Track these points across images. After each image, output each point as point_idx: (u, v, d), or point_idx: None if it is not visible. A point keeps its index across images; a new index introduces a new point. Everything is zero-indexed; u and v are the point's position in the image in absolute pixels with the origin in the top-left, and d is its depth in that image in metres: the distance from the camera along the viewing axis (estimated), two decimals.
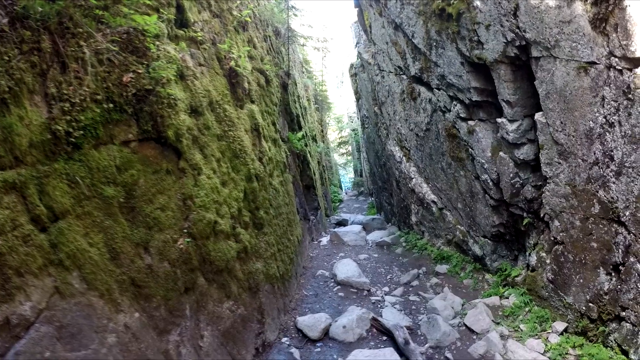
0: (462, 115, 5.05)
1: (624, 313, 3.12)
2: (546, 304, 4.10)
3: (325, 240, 8.55)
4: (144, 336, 2.45)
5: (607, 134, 3.08)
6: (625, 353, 3.11)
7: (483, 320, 4.19)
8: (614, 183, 3.11)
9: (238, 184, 4.09)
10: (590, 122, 3.22)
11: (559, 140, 3.59)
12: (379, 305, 5.12)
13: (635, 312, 3.01)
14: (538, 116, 3.82)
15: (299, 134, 7.97)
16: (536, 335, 3.84)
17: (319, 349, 4.11)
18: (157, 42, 3.04)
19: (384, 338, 4.23)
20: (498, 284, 4.94)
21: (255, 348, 3.80)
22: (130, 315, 2.37)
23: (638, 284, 2.97)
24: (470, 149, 5.05)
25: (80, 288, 2.08)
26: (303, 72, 14.50)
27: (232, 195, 3.89)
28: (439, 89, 5.51)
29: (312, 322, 4.39)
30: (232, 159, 4.08)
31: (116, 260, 2.39)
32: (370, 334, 4.32)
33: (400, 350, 3.85)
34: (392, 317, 4.63)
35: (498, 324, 4.21)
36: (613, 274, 3.26)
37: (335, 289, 5.67)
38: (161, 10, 3.31)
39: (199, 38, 3.96)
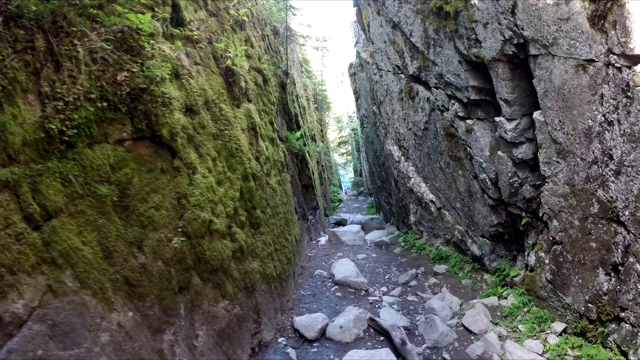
0: (460, 114, 5.02)
1: (623, 314, 3.09)
2: (545, 305, 4.07)
3: (323, 240, 8.52)
4: (138, 335, 2.44)
5: (606, 133, 3.05)
6: (624, 354, 3.08)
7: (481, 320, 4.16)
8: (613, 182, 3.07)
9: (234, 183, 4.07)
10: (589, 121, 3.18)
11: (557, 139, 3.56)
12: (377, 306, 5.09)
13: (634, 312, 2.97)
14: (536, 115, 3.79)
15: (298, 134, 7.95)
16: (535, 335, 3.80)
17: (315, 349, 4.08)
18: (152, 41, 3.04)
19: (381, 338, 4.20)
20: (497, 284, 4.91)
21: (251, 348, 3.78)
22: (123, 314, 2.36)
23: (637, 285, 2.94)
24: (468, 148, 5.02)
25: (73, 286, 2.08)
26: (302, 72, 14.47)
27: (227, 195, 3.87)
28: (437, 88, 5.48)
29: (309, 322, 4.37)
30: (228, 158, 4.05)
31: (110, 259, 2.38)
32: (367, 334, 4.29)
33: (397, 351, 3.82)
34: (389, 317, 4.60)
35: (496, 324, 4.18)
36: (612, 274, 3.22)
37: (332, 289, 5.65)
38: (156, 9, 3.30)
39: (195, 37, 3.94)
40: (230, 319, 3.51)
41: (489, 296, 4.70)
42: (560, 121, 3.48)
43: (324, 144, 17.90)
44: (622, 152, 2.94)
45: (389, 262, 6.93)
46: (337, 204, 16.53)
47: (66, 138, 2.22)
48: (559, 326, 3.76)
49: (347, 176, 29.47)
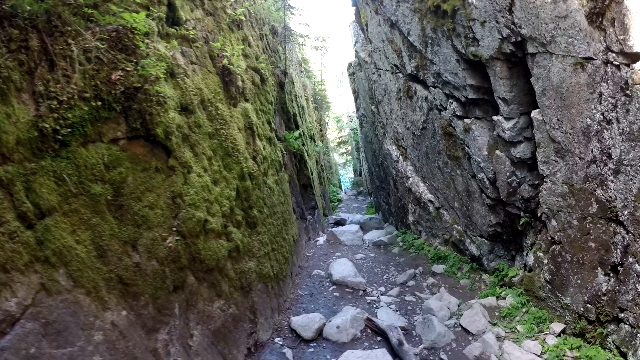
0: (458, 113, 4.99)
1: (622, 314, 3.06)
2: (543, 305, 4.04)
3: (322, 239, 8.50)
4: (132, 334, 2.44)
5: (605, 131, 3.02)
6: (623, 355, 3.05)
7: (479, 321, 4.13)
8: (612, 182, 3.04)
9: (230, 182, 4.05)
10: (588, 119, 3.15)
11: (555, 138, 3.53)
12: (375, 306, 5.06)
13: (634, 313, 2.94)
14: (534, 114, 3.76)
15: (296, 133, 7.93)
16: (533, 336, 3.78)
17: (312, 350, 4.06)
18: (147, 40, 3.06)
19: (379, 339, 4.18)
20: (495, 284, 4.88)
21: (247, 348, 3.76)
22: (117, 313, 2.37)
23: (637, 285, 2.91)
24: (466, 148, 5.00)
25: (66, 285, 2.09)
26: (302, 72, 14.45)
27: (223, 194, 3.85)
28: (434, 87, 5.45)
29: (305, 322, 4.34)
30: (224, 157, 4.03)
31: (103, 258, 2.39)
32: (364, 334, 4.27)
33: (394, 351, 3.79)
34: (387, 317, 4.57)
35: (494, 324, 4.15)
36: (611, 275, 3.19)
37: (330, 289, 5.62)
38: (151, 8, 3.31)
39: (191, 36, 3.94)
40: (225, 318, 3.49)
41: (487, 296, 4.67)
42: (558, 120, 3.45)
43: (324, 143, 17.88)
44: (621, 151, 2.91)
45: (387, 262, 6.90)
46: (336, 203, 16.50)
47: (60, 137, 2.24)
48: (557, 327, 3.73)
49: (346, 176, 29.46)
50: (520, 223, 4.47)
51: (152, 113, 2.97)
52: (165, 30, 3.58)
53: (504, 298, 4.54)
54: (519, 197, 4.33)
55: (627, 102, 2.79)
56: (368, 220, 10.41)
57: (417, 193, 7.10)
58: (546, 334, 3.75)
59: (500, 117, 4.22)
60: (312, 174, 9.83)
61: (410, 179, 7.33)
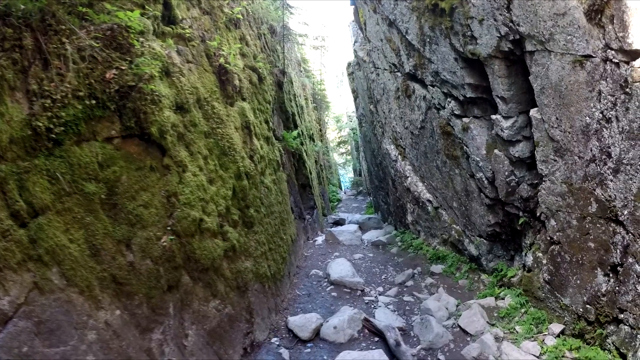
0: (456, 112, 4.96)
1: (622, 315, 3.03)
2: (542, 306, 4.01)
3: (320, 239, 8.46)
4: (126, 334, 2.44)
5: (604, 130, 2.99)
6: (623, 356, 3.02)
7: (477, 321, 4.10)
8: (611, 181, 3.01)
9: (226, 181, 4.02)
10: (587, 118, 3.12)
11: (554, 137, 3.50)
12: (372, 306, 5.03)
13: (633, 314, 2.91)
14: (533, 112, 3.73)
15: (294, 133, 7.89)
16: (532, 337, 3.74)
17: (308, 350, 4.03)
18: (142, 39, 3.07)
19: (376, 339, 4.14)
20: (494, 285, 4.85)
21: (243, 348, 3.74)
22: (111, 313, 2.37)
23: (637, 286, 2.87)
24: (464, 147, 4.96)
25: (59, 284, 2.09)
26: (301, 71, 14.42)
27: (219, 193, 3.82)
28: (433, 86, 5.42)
29: (302, 322, 4.32)
30: (220, 157, 4.00)
31: (97, 257, 2.39)
32: (361, 334, 4.24)
33: (391, 352, 3.76)
34: (384, 317, 4.54)
35: (493, 325, 4.12)
36: (611, 275, 3.16)
37: (328, 289, 5.59)
38: (147, 7, 3.31)
39: (188, 35, 3.92)
40: (221, 318, 3.47)
41: (486, 297, 4.64)
42: (557, 118, 3.42)
43: (323, 143, 17.85)
44: (620, 150, 2.88)
45: (385, 261, 6.87)
46: (336, 203, 16.47)
47: (53, 136, 2.27)
48: (556, 327, 3.70)
49: (346, 176, 29.43)
50: (519, 223, 4.44)
51: (147, 112, 2.97)
52: (161, 29, 3.57)
53: (503, 298, 4.51)
54: (518, 196, 4.29)
55: (627, 100, 2.75)
56: (367, 220, 10.38)
57: (415, 193, 7.06)
58: (545, 334, 3.72)
59: (498, 116, 4.19)
60: (311, 173, 9.80)
61: (409, 178, 7.30)
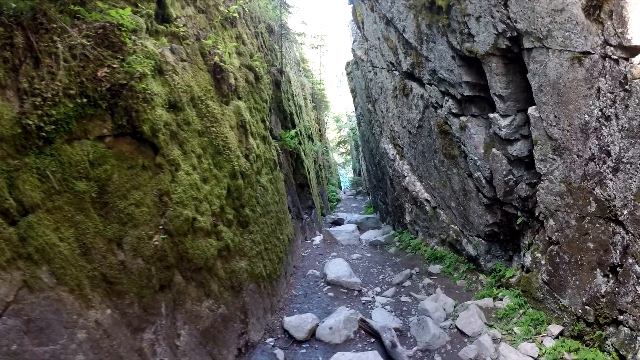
0: (454, 110, 4.91)
1: (621, 317, 2.98)
2: (541, 306, 3.96)
3: (318, 239, 8.42)
4: (117, 333, 2.43)
5: (604, 128, 2.94)
6: (622, 358, 2.97)
7: (475, 322, 4.05)
8: (611, 180, 2.96)
9: (221, 180, 3.97)
10: (586, 116, 3.07)
11: (553, 136, 3.45)
12: (369, 306, 4.98)
13: (633, 315, 2.86)
14: (531, 110, 3.68)
15: (292, 132, 7.86)
16: (530, 338, 3.69)
17: (304, 351, 3.98)
18: (134, 37, 3.07)
19: (372, 340, 4.10)
20: (492, 285, 4.80)
21: (237, 348, 3.70)
22: (101, 312, 2.36)
23: (636, 287, 2.82)
24: (462, 146, 4.91)
25: (49, 282, 2.09)
26: (300, 71, 14.38)
27: (213, 192, 3.78)
28: (430, 85, 5.38)
29: (298, 322, 4.27)
30: (214, 155, 3.96)
31: (87, 256, 2.38)
32: (357, 335, 4.19)
33: (387, 353, 3.71)
34: (381, 318, 4.49)
35: (491, 326, 4.07)
36: (610, 276, 3.11)
37: (325, 289, 5.54)
38: (140, 5, 3.29)
39: (182, 33, 3.90)
40: (215, 318, 3.43)
41: (484, 297, 4.59)
42: (555, 117, 3.37)
43: (322, 143, 17.80)
44: (620, 148, 2.83)
45: (383, 262, 6.82)
46: (335, 203, 16.42)
47: (44, 134, 2.28)
48: (555, 329, 3.65)
49: (346, 176, 29.38)
50: (518, 223, 4.39)
51: (139, 110, 2.95)
52: (154, 28, 3.55)
53: (501, 299, 4.45)
54: (516, 196, 4.24)
55: (626, 98, 2.70)
56: (365, 220, 10.34)
57: (413, 192, 7.02)
58: (544, 336, 3.67)
59: (496, 115, 4.14)
60: (309, 173, 9.75)
61: (407, 178, 7.25)
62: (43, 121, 2.22)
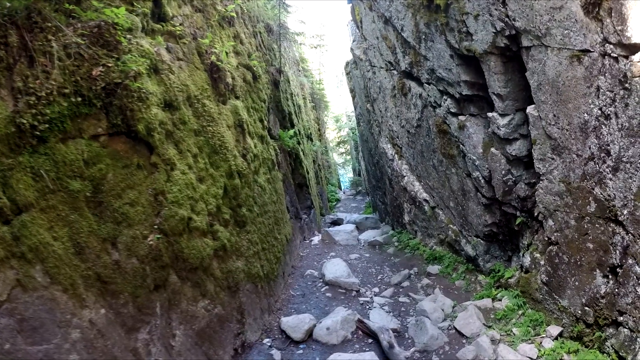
0: (452, 110, 4.88)
1: (621, 318, 2.94)
2: (540, 307, 3.93)
3: (317, 239, 8.39)
4: (111, 333, 2.42)
5: (603, 127, 2.91)
6: None
7: (473, 323, 4.02)
8: (610, 179, 2.93)
9: (217, 180, 3.95)
10: (585, 115, 3.04)
11: (552, 135, 3.42)
12: (367, 307, 4.95)
13: (633, 317, 2.83)
14: (530, 109, 3.65)
15: (291, 132, 7.83)
16: (529, 339, 3.66)
17: (301, 351, 3.95)
18: (129, 36, 3.06)
19: (370, 341, 4.07)
20: (491, 286, 4.77)
21: (233, 349, 3.67)
22: (95, 311, 2.36)
23: (636, 288, 2.79)
24: (461, 145, 4.88)
25: (43, 282, 2.09)
26: (299, 71, 14.36)
27: (210, 192, 3.75)
28: (429, 84, 5.35)
29: (295, 323, 4.24)
30: (211, 155, 3.93)
31: (81, 255, 2.37)
32: (355, 336, 4.16)
33: (384, 354, 3.68)
34: (379, 319, 4.46)
35: (489, 327, 4.04)
36: (610, 277, 3.08)
37: (323, 289, 5.51)
38: (135, 4, 3.27)
39: (178, 32, 3.88)
40: (210, 318, 3.41)
41: (483, 298, 4.56)
42: (554, 116, 3.34)
43: (322, 143, 17.77)
44: (620, 148, 2.79)
45: (382, 262, 6.79)
46: (334, 203, 16.40)
47: (38, 133, 2.22)
48: (554, 330, 3.62)
49: (346, 176, 29.35)
50: (517, 223, 4.36)
51: (134, 109, 2.93)
52: (150, 27, 3.54)
53: (500, 300, 4.42)
54: (515, 196, 4.21)
55: (626, 96, 2.67)
56: (364, 220, 10.31)
57: (412, 192, 6.99)
58: (543, 337, 3.64)
59: (495, 114, 4.11)
60: (308, 173, 9.72)
61: (406, 178, 7.22)
62: (37, 120, 2.22)
